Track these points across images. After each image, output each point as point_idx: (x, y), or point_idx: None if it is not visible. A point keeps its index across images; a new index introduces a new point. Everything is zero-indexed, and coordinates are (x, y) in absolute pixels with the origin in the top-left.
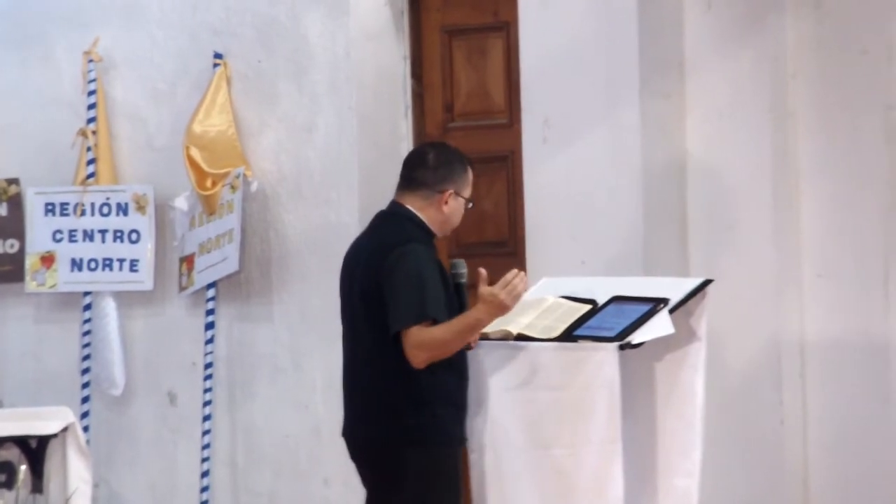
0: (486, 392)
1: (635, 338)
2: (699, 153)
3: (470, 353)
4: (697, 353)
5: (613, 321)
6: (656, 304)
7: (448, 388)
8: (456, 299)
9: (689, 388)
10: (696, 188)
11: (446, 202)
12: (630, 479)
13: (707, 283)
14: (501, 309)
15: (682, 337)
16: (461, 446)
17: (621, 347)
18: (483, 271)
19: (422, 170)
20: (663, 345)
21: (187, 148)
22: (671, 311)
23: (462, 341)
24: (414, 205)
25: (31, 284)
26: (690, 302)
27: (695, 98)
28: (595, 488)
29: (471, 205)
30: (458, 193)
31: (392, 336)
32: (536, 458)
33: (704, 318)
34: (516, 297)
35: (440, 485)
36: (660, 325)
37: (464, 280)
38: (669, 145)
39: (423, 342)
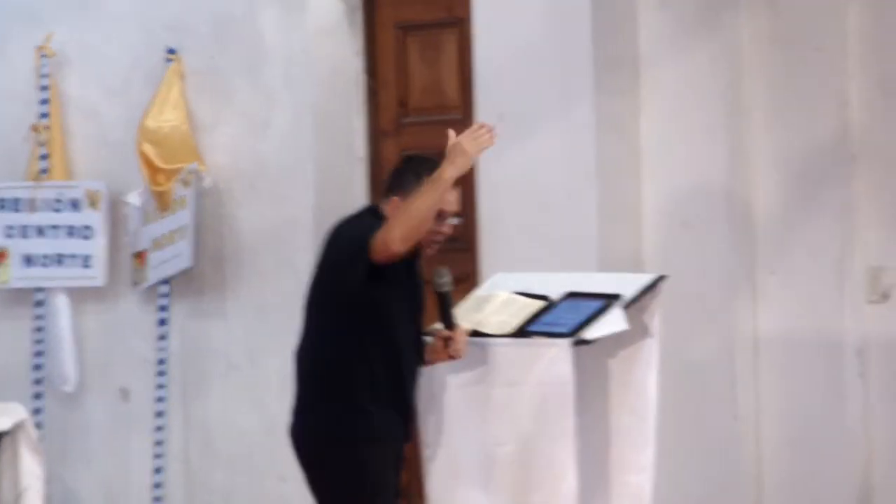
0: (440, 388)
1: (589, 334)
2: (654, 150)
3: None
4: (651, 350)
5: (567, 317)
6: (610, 300)
7: (382, 384)
8: (438, 309)
9: (642, 384)
10: (651, 185)
11: (396, 208)
12: (584, 475)
13: (660, 279)
14: (464, 155)
15: (636, 333)
16: (392, 445)
17: (575, 343)
18: (451, 131)
19: (390, 177)
20: (617, 341)
21: (140, 143)
22: (625, 308)
23: (431, 201)
24: (383, 207)
25: None
26: (644, 298)
27: (649, 95)
28: (549, 484)
29: (453, 220)
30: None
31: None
32: (490, 454)
33: (658, 314)
34: (480, 146)
35: (361, 483)
36: (613, 322)
37: (447, 289)
38: (624, 142)
39: (387, 224)
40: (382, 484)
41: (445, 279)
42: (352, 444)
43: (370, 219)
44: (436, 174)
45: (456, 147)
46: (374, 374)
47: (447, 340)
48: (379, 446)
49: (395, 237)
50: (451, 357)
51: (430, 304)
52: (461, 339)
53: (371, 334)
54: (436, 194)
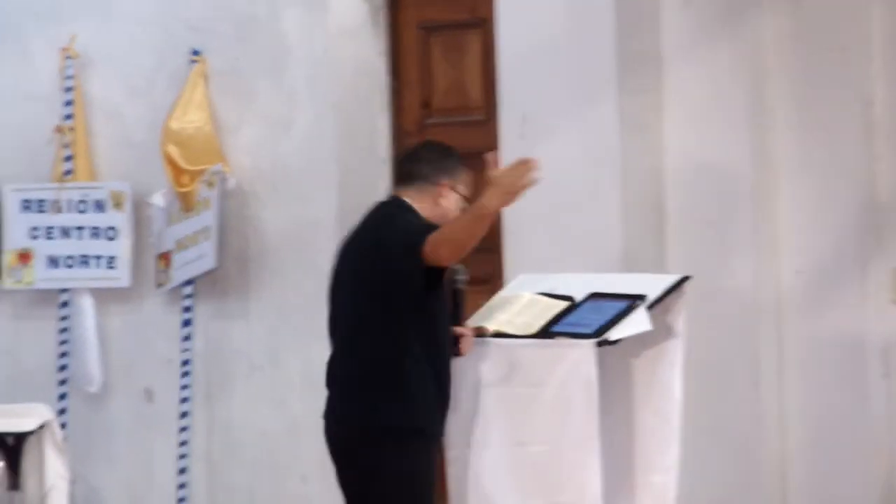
0: (464, 389)
1: (613, 334)
2: (677, 149)
3: None
4: (675, 350)
5: (591, 318)
6: (634, 300)
7: (428, 380)
8: (451, 305)
9: (666, 384)
10: (675, 184)
11: (443, 195)
12: (608, 475)
13: (685, 279)
14: (507, 194)
15: (660, 334)
16: (433, 442)
17: (599, 344)
18: (492, 157)
19: (418, 164)
20: (641, 341)
21: (164, 144)
22: (649, 308)
23: (472, 229)
24: (410, 198)
25: (7, 281)
26: (668, 299)
27: (673, 94)
28: (573, 485)
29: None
30: (454, 189)
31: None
32: (514, 454)
33: (682, 314)
34: (518, 187)
35: (408, 479)
36: (637, 322)
37: (462, 287)
38: (647, 142)
39: (436, 237)
40: (428, 479)
41: (463, 276)
42: (400, 436)
43: (408, 214)
44: (479, 205)
45: (500, 182)
46: (421, 369)
47: (457, 338)
48: (424, 440)
49: (443, 255)
50: (456, 355)
51: None
52: (469, 338)
53: (419, 330)
54: (483, 224)
